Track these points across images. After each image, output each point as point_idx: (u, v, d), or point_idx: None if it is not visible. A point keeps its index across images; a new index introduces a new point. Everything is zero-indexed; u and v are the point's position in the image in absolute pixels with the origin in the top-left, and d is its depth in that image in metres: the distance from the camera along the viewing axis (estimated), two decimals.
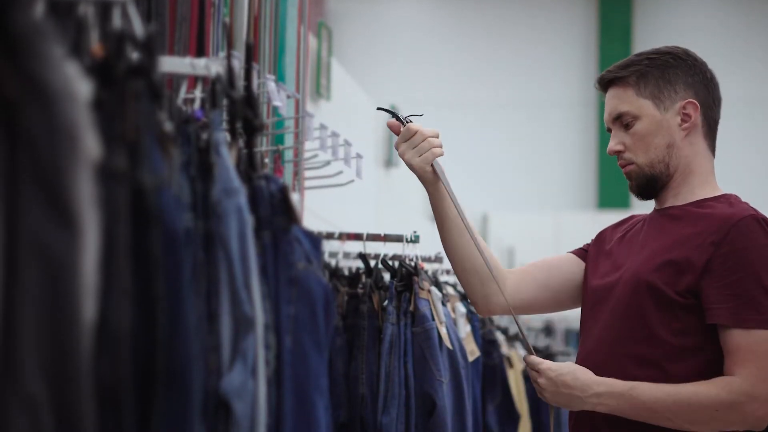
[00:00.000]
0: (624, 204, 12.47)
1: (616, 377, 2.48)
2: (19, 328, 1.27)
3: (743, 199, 2.57)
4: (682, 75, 2.57)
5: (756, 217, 2.46)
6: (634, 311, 2.49)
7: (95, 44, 1.54)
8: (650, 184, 2.59)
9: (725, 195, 2.57)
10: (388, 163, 7.05)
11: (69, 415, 1.31)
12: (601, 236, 2.75)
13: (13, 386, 1.26)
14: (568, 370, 2.49)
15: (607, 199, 13.62)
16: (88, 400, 1.34)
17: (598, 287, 2.61)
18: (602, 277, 2.61)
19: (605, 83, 2.62)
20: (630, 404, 2.44)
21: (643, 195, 2.61)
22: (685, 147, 2.58)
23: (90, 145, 1.33)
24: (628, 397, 2.44)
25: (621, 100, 2.59)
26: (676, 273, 2.47)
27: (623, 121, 2.58)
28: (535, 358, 2.55)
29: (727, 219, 2.47)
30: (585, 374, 2.49)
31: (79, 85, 1.33)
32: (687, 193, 2.58)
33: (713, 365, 2.45)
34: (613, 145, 2.60)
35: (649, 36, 13.61)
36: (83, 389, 1.33)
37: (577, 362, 2.63)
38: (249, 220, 1.82)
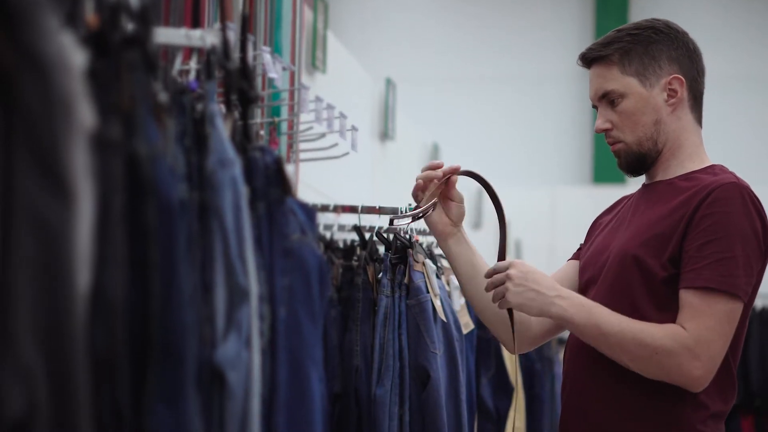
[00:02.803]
0: (619, 179, 12.45)
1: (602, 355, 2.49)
2: (14, 298, 1.27)
3: (739, 176, 2.57)
4: (666, 49, 2.57)
5: (737, 184, 2.46)
6: (621, 286, 2.50)
7: (90, 15, 1.54)
8: (639, 162, 2.59)
9: (712, 166, 2.57)
10: (384, 135, 7.04)
11: (64, 384, 1.32)
12: (595, 224, 2.76)
13: (8, 356, 1.26)
14: (535, 269, 2.51)
15: (602, 174, 13.61)
16: (82, 370, 1.34)
17: (590, 266, 2.62)
18: (594, 257, 2.62)
19: (588, 61, 2.62)
20: (586, 317, 2.45)
21: (633, 172, 2.62)
22: (672, 122, 2.58)
23: (85, 115, 1.33)
24: (587, 311, 2.45)
25: (606, 78, 2.58)
26: (661, 245, 2.47)
27: (609, 99, 2.58)
28: (502, 263, 2.55)
29: (708, 186, 2.47)
30: (548, 277, 2.52)
31: (73, 56, 1.33)
32: (676, 167, 2.59)
33: None
34: (600, 123, 2.61)
35: (646, 9, 13.57)
36: (78, 359, 1.33)
37: (569, 339, 2.64)
38: (244, 191, 1.82)
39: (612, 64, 2.57)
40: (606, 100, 2.59)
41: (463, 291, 2.77)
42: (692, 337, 2.40)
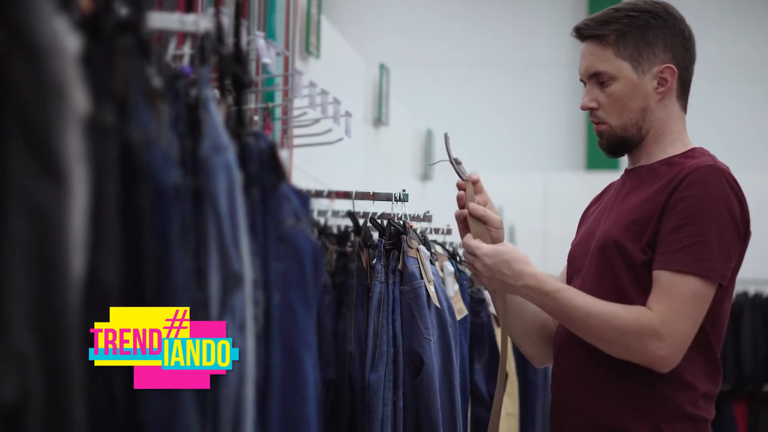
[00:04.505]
0: (612, 165, 12.45)
1: None
2: (7, 283, 1.27)
3: (732, 162, 2.57)
4: (662, 36, 2.56)
5: (714, 166, 2.46)
6: (606, 272, 2.50)
7: None
8: (621, 145, 2.60)
9: (692, 149, 2.58)
10: (378, 121, 7.03)
11: (58, 370, 1.32)
12: (584, 215, 2.77)
13: (2, 341, 1.26)
14: (503, 259, 2.52)
15: (595, 160, 13.61)
16: (77, 356, 1.34)
17: (577, 255, 2.62)
18: (580, 245, 2.63)
19: (583, 36, 2.61)
20: (552, 305, 2.49)
21: (613, 153, 2.63)
22: (659, 110, 2.58)
23: (78, 100, 1.33)
24: (552, 298, 2.48)
25: (599, 58, 2.57)
26: (641, 230, 2.48)
27: (599, 79, 2.58)
28: (472, 242, 2.57)
29: (685, 168, 2.47)
30: (519, 263, 2.52)
31: (67, 40, 1.33)
32: (658, 152, 2.59)
33: None
34: (587, 101, 2.60)
35: None
36: (72, 345, 1.33)
37: (558, 326, 2.64)
38: (238, 176, 1.82)
39: (607, 45, 2.57)
40: (596, 79, 2.59)
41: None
42: (658, 318, 2.41)
